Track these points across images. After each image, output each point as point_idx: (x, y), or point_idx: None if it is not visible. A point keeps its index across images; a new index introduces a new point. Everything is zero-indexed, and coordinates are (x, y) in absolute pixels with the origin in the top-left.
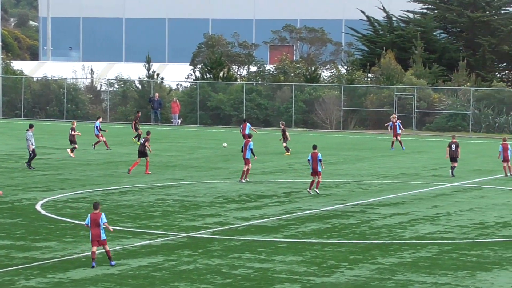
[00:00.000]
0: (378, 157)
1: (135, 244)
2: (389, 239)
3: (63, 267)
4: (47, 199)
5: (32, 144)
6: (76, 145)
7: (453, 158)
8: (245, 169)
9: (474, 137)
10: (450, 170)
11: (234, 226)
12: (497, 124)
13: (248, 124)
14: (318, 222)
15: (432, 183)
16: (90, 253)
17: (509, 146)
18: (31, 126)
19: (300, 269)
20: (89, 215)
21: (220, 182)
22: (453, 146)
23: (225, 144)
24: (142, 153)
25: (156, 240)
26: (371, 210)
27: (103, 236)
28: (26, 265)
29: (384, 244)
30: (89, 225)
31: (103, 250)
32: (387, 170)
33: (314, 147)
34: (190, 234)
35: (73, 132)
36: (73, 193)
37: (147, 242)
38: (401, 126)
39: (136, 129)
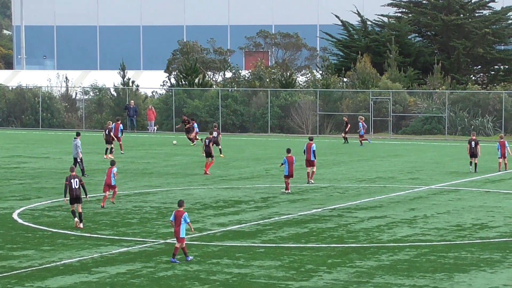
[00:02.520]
0: (354, 161)
1: (113, 252)
2: (367, 243)
3: (41, 275)
4: (24, 208)
5: (80, 152)
6: (113, 145)
7: (473, 154)
8: (311, 171)
9: (450, 139)
10: (471, 166)
11: (211, 232)
12: (472, 127)
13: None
14: (295, 226)
15: (409, 186)
16: (70, 261)
17: (506, 143)
18: (78, 134)
19: (279, 273)
20: (173, 212)
21: (197, 188)
22: (473, 143)
23: (175, 142)
24: (209, 153)
25: (134, 247)
26: (349, 214)
27: (182, 234)
28: (4, 274)
29: (362, 248)
30: (173, 221)
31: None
32: (363, 174)
33: (288, 150)
34: (168, 241)
35: (108, 133)
36: (50, 201)
37: (125, 249)
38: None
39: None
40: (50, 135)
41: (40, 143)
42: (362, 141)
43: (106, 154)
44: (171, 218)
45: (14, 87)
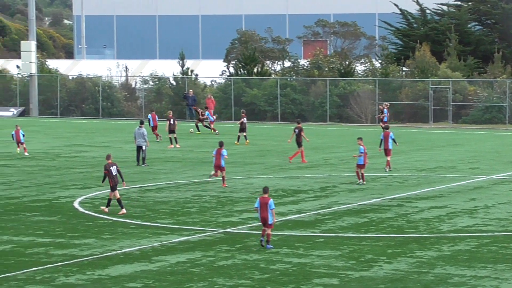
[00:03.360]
0: (414, 150)
1: (173, 241)
2: (427, 233)
3: (101, 264)
4: (84, 197)
5: (146, 140)
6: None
7: None
8: (389, 159)
9: (511, 129)
10: None
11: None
12: None
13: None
14: (355, 216)
15: (469, 176)
16: (130, 249)
17: None
18: (142, 122)
19: (338, 263)
20: (258, 198)
21: (256, 177)
22: None
23: (191, 130)
24: (299, 143)
25: (193, 236)
26: (409, 204)
27: (270, 220)
28: (65, 262)
29: (422, 238)
30: (258, 208)
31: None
32: (423, 163)
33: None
34: (228, 230)
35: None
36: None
37: (185, 238)
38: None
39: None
40: (110, 124)
41: (100, 132)
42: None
43: (171, 143)
44: (256, 204)
45: (74, 77)
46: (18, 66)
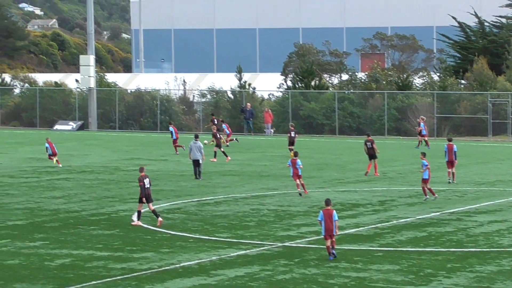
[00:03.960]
0: (473, 164)
1: (231, 254)
2: (487, 247)
3: (160, 277)
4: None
5: (202, 154)
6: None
7: None
8: (451, 172)
9: None
10: None
11: None
12: None
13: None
14: (414, 230)
15: None
16: (188, 263)
17: None
18: (197, 136)
19: (397, 278)
20: (321, 211)
21: (314, 191)
22: None
23: (206, 142)
24: (372, 155)
25: (251, 250)
26: (468, 218)
27: (335, 231)
28: (124, 276)
29: (482, 252)
30: (321, 220)
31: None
32: (482, 177)
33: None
34: (286, 244)
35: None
36: (168, 203)
37: (243, 252)
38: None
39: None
40: (168, 137)
41: (158, 145)
42: (422, 142)
43: (215, 157)
44: (319, 217)
45: (132, 90)
46: (77, 80)
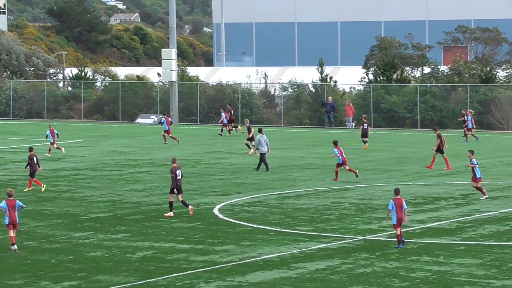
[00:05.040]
0: None
1: (312, 247)
2: None
3: (241, 270)
4: (224, 203)
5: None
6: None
7: None
8: None
9: None
10: None
11: (411, 229)
12: None
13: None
14: (496, 224)
15: None
16: (269, 256)
17: None
18: (260, 130)
19: (479, 272)
20: (391, 200)
21: (395, 184)
22: None
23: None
24: (440, 149)
25: (332, 243)
26: None
27: (405, 219)
28: (205, 269)
29: None
30: (392, 209)
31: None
32: None
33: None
34: (367, 237)
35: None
36: (249, 197)
37: (324, 245)
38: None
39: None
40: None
41: (239, 138)
42: (470, 136)
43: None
44: (390, 206)
45: (214, 84)
46: (159, 74)
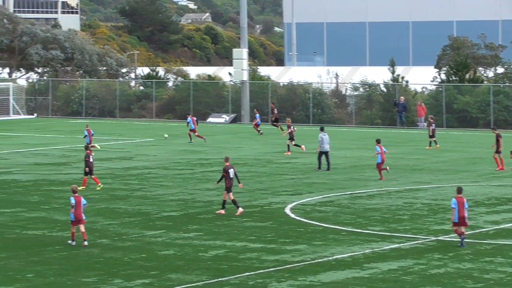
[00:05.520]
0: None
1: (384, 248)
2: None
3: (313, 270)
4: (295, 203)
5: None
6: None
7: None
8: None
9: None
10: None
11: (484, 230)
12: None
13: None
14: None
15: None
16: (341, 256)
17: None
18: (322, 129)
19: None
20: (454, 199)
21: (468, 185)
22: None
23: (166, 135)
24: (498, 150)
25: (405, 244)
26: None
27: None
28: (277, 268)
29: None
30: (455, 208)
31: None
32: None
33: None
34: (440, 238)
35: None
36: (320, 196)
37: (396, 245)
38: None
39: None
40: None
41: (310, 138)
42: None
43: (289, 150)
44: (453, 205)
45: (285, 83)
46: (230, 74)
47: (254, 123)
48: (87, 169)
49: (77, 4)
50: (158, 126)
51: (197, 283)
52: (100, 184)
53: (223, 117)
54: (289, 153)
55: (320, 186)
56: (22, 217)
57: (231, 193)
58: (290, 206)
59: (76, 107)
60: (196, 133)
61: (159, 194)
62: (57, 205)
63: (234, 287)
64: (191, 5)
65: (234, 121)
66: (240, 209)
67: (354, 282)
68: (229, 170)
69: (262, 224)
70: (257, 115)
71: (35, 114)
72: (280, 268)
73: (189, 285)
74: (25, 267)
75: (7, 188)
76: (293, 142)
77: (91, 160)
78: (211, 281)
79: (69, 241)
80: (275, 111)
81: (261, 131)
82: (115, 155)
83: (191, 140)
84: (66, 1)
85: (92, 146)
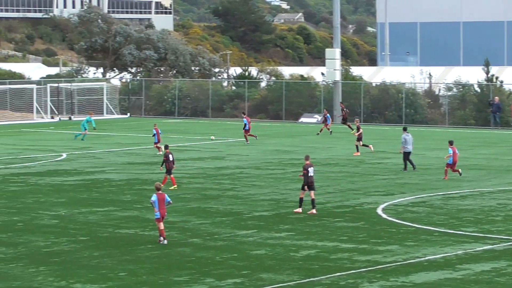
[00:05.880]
0: None
1: (477, 249)
2: None
3: (405, 271)
4: (387, 203)
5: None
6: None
7: None
8: None
9: None
10: None
11: None
12: None
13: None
14: None
15: None
16: (433, 257)
17: None
18: (405, 129)
19: None
20: None
21: None
22: None
23: (212, 137)
24: None
25: (498, 245)
26: None
27: None
28: (369, 268)
29: None
30: None
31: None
32: None
33: None
34: None
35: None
36: (413, 197)
37: (489, 247)
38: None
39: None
40: (412, 131)
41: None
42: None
43: (358, 151)
44: None
45: (377, 84)
46: (322, 74)
47: (325, 123)
48: (162, 167)
49: (170, 5)
50: (251, 126)
51: (288, 283)
52: (175, 185)
53: (315, 117)
54: (358, 154)
55: (413, 187)
56: (115, 216)
57: (312, 192)
58: (382, 206)
59: (169, 107)
60: (248, 133)
61: (250, 194)
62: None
63: (325, 287)
64: (284, 5)
65: (325, 121)
66: (314, 210)
67: (446, 283)
68: (309, 169)
69: (353, 224)
70: (328, 115)
71: (128, 114)
72: (371, 268)
73: (280, 284)
74: (118, 266)
75: (100, 187)
76: (361, 143)
77: (170, 159)
78: (302, 281)
79: (160, 240)
80: (345, 111)
81: (330, 130)
82: (207, 155)
83: (247, 141)
84: (160, 2)
85: (157, 147)
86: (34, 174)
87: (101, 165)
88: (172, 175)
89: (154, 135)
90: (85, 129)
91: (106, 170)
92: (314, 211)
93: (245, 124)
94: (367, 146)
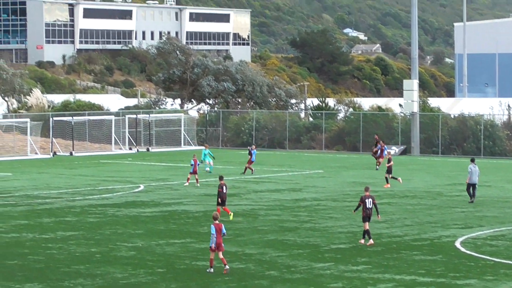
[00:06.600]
0: None
1: None
2: None
3: None
4: (466, 236)
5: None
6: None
7: None
8: None
9: None
10: None
11: None
12: None
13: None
14: None
15: None
16: None
17: None
18: (473, 160)
19: None
20: None
21: None
22: None
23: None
24: None
25: None
26: None
27: None
28: None
29: None
30: None
31: None
32: None
33: None
34: None
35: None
36: (491, 230)
37: None
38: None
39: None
40: (491, 163)
41: (482, 171)
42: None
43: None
44: None
45: (456, 115)
46: (400, 105)
47: (375, 151)
48: (219, 199)
49: (248, 36)
50: (328, 158)
51: None
52: (231, 213)
53: (392, 149)
54: (389, 186)
55: (491, 220)
56: (192, 247)
57: (366, 223)
58: (460, 239)
59: (246, 138)
60: (250, 165)
61: (328, 226)
62: (226, 237)
63: None
64: (361, 36)
65: (403, 153)
66: (371, 241)
67: None
68: (366, 200)
69: (431, 258)
70: (379, 145)
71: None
72: None
73: None
74: None
75: (178, 219)
76: (390, 175)
77: (224, 191)
78: None
79: (208, 269)
80: (380, 143)
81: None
82: (284, 187)
83: (244, 172)
84: (238, 33)
85: (190, 176)
86: (112, 206)
87: (178, 196)
88: (225, 206)
89: (191, 165)
90: (208, 161)
91: (184, 202)
92: (371, 241)
93: (252, 155)
94: (396, 178)
